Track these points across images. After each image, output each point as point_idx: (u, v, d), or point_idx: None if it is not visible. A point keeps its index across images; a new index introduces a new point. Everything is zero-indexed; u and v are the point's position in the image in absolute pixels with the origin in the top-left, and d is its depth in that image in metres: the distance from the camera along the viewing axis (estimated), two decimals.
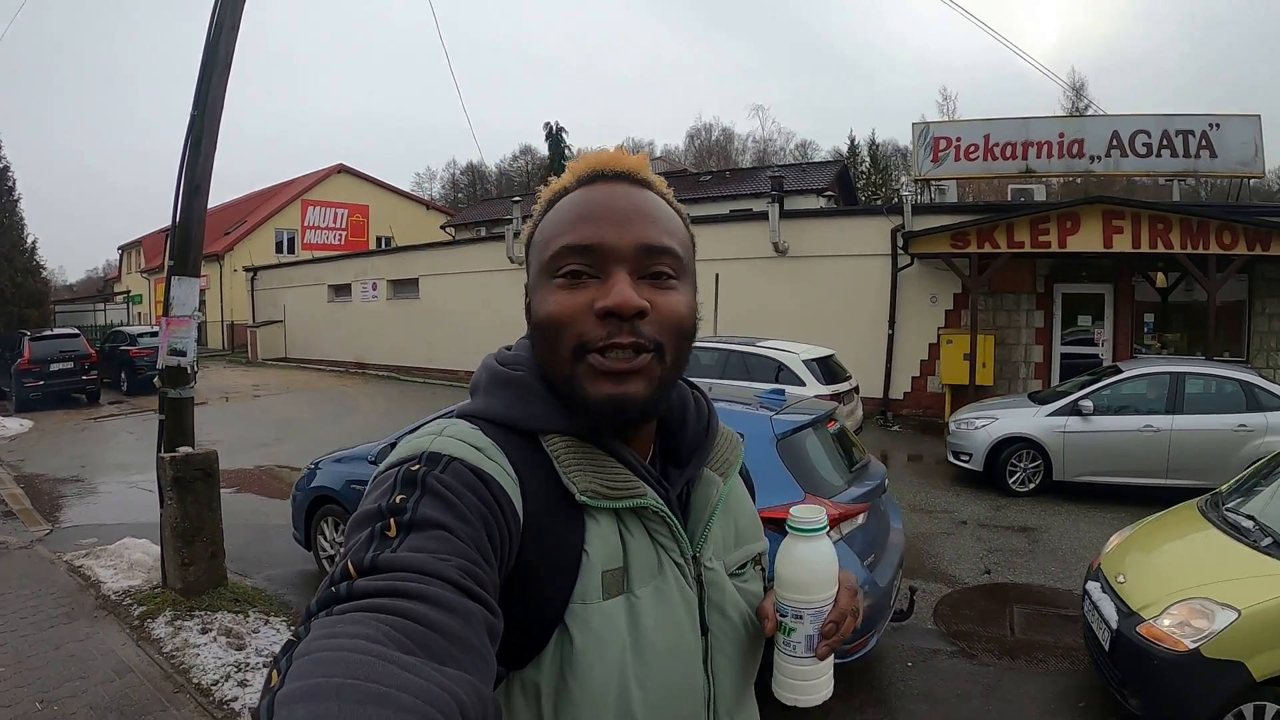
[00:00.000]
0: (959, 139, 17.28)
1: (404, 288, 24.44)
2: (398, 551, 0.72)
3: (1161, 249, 12.71)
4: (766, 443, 4.59)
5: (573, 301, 0.93)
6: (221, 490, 6.05)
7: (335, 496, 6.20)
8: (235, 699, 4.30)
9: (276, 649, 4.77)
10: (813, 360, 11.00)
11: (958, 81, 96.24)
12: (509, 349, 1.08)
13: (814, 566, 0.99)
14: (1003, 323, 14.80)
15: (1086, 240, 13.01)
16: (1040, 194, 18.31)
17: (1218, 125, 16.43)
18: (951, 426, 10.50)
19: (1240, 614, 3.71)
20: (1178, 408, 9.26)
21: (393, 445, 4.12)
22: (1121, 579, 4.42)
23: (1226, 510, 4.73)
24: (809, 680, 1.00)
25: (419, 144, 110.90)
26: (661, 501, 0.97)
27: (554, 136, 42.95)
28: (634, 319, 0.91)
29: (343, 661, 0.57)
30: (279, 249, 35.38)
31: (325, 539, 6.35)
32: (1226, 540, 4.37)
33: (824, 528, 1.00)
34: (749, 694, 1.09)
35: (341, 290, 26.80)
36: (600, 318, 0.91)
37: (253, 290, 30.86)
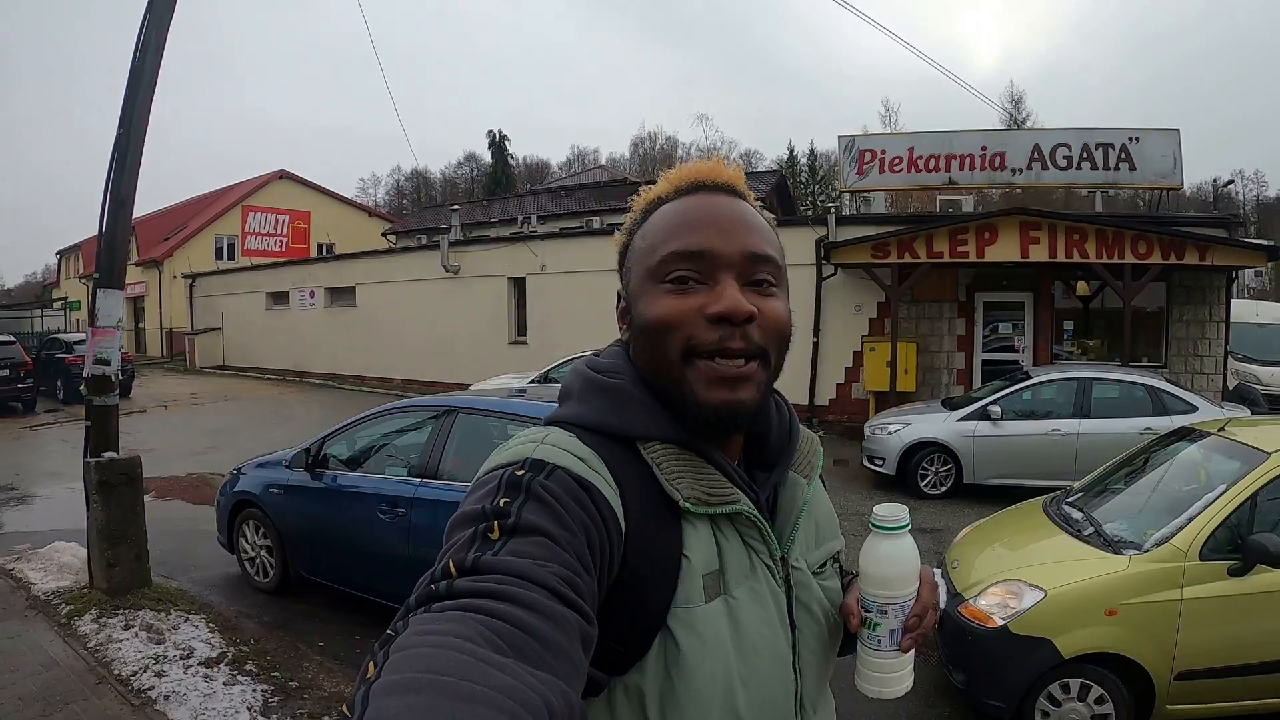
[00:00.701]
0: (884, 152, 17.64)
1: (341, 296, 24.39)
2: (499, 554, 0.73)
3: (1078, 259, 13.13)
4: None
5: (683, 305, 0.94)
6: (153, 497, 6.41)
7: (255, 500, 6.33)
8: (152, 688, 4.54)
9: (195, 643, 4.95)
10: None
11: (903, 92, 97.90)
12: (598, 355, 1.08)
13: (898, 563, 1.02)
14: (925, 330, 15.18)
15: (1004, 250, 13.39)
16: (969, 205, 18.70)
17: (1137, 139, 16.91)
18: (867, 432, 10.77)
19: (1046, 594, 4.00)
20: (1085, 412, 9.63)
21: (306, 450, 4.80)
22: (955, 564, 4.75)
23: (1065, 504, 5.03)
24: (893, 673, 1.03)
25: (366, 150, 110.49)
26: (753, 506, 0.99)
27: (497, 144, 43.18)
28: (744, 324, 0.93)
29: (438, 658, 0.59)
30: (219, 255, 34.82)
31: (247, 541, 6.49)
32: (1056, 530, 4.67)
33: (907, 525, 1.03)
34: (827, 687, 1.11)
35: (279, 298, 26.66)
36: (712, 322, 0.93)
37: (191, 297, 30.48)
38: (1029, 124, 44.53)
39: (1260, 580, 3.82)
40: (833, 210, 15.56)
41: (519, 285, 19.69)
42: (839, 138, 18.22)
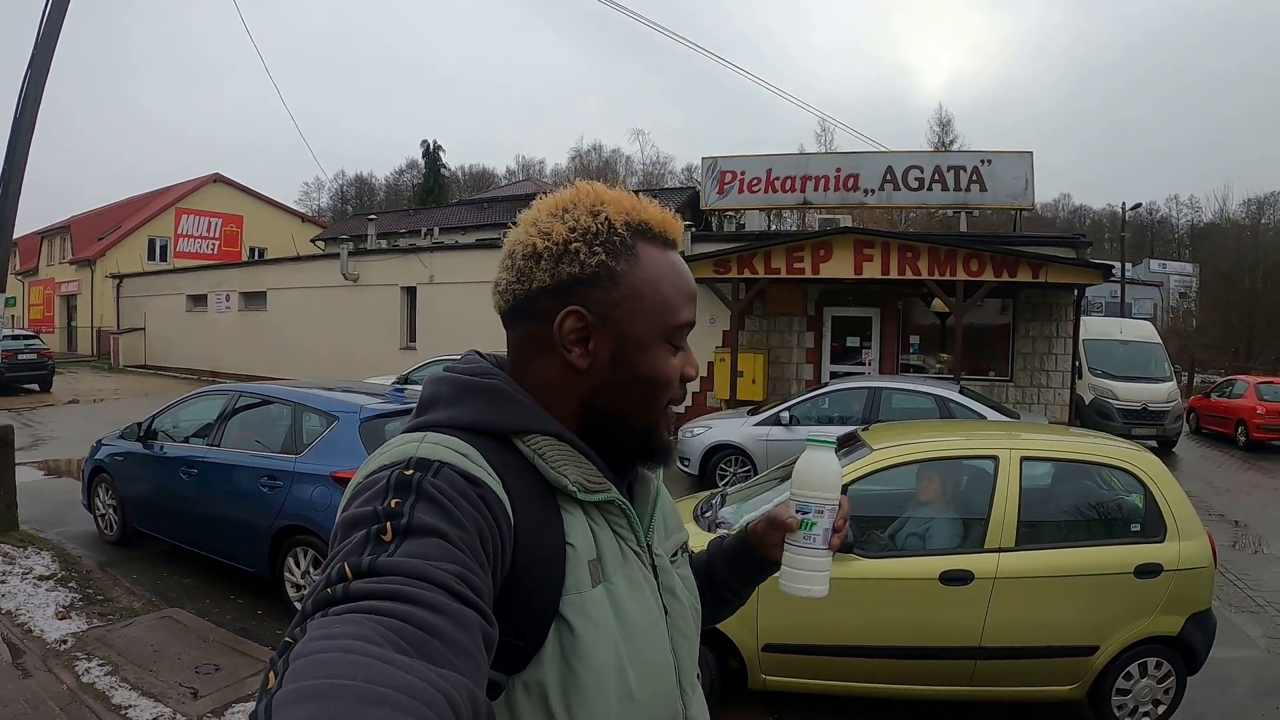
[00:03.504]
0: (743, 173, 18.44)
1: (254, 300, 25.06)
2: (395, 555, 0.73)
3: (910, 275, 13.86)
4: (354, 422, 5.88)
5: (676, 366, 1.07)
6: (44, 475, 9.11)
7: (105, 467, 7.52)
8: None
9: (36, 566, 6.69)
10: None
11: (847, 112, 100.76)
12: (456, 363, 1.10)
13: (831, 470, 1.19)
14: (775, 343, 16.01)
15: (838, 267, 14.08)
16: (846, 223, 19.52)
17: (989, 161, 17.86)
18: (679, 434, 11.51)
19: None
20: (875, 418, 10.22)
21: (139, 424, 6.98)
22: None
23: (713, 501, 5.42)
24: (822, 571, 1.18)
25: (320, 153, 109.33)
26: (624, 496, 1.04)
27: (430, 154, 43.35)
28: None
29: (340, 662, 0.58)
30: (152, 256, 34.77)
31: (99, 501, 7.68)
32: (691, 520, 5.04)
33: (833, 444, 1.21)
34: (697, 666, 1.15)
35: (199, 300, 27.22)
36: (682, 382, 1.08)
37: (118, 297, 30.84)
38: (956, 146, 45.92)
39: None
40: (690, 228, 16.28)
41: (410, 294, 20.49)
42: (703, 159, 19.08)
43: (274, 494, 5.82)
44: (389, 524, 0.76)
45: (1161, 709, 4.56)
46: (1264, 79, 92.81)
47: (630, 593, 0.99)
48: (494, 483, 0.88)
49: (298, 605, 5.62)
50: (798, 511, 1.19)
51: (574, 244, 1.00)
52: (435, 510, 0.79)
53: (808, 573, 1.17)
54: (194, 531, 6.56)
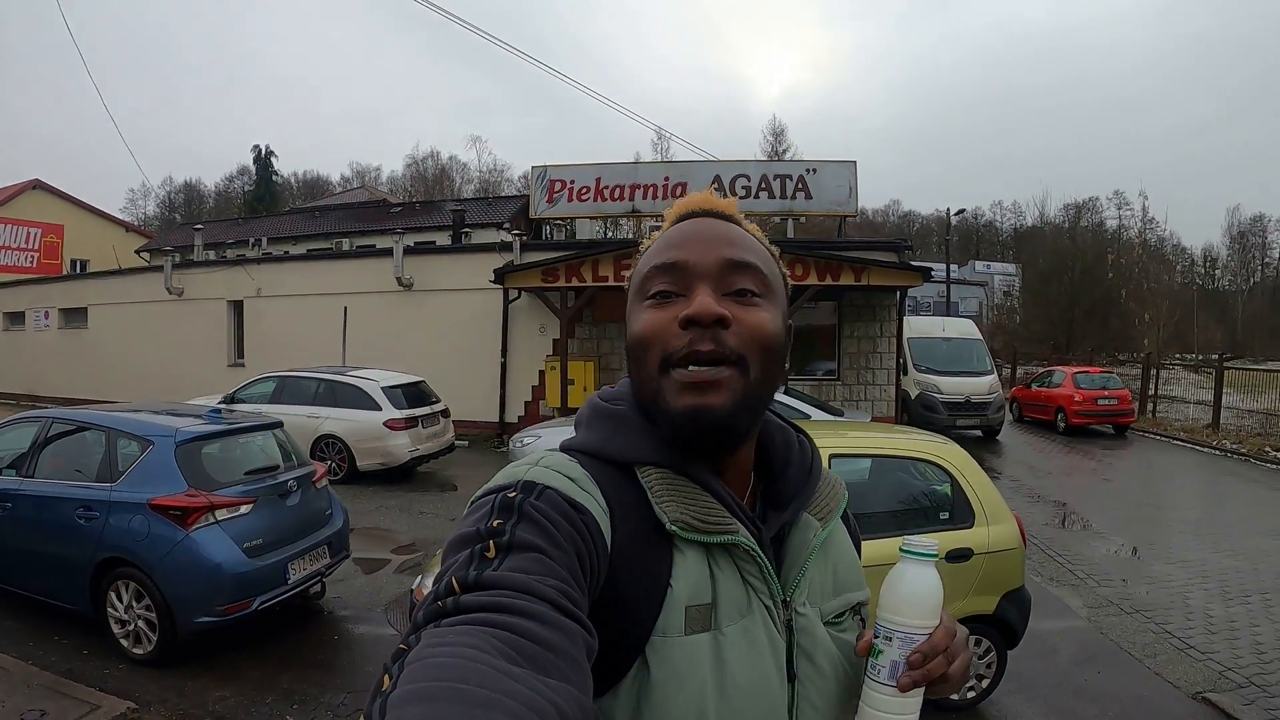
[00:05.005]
0: (573, 181, 18.60)
1: (74, 317, 23.62)
2: (499, 570, 0.75)
3: None
4: (170, 446, 5.59)
5: (660, 317, 0.96)
6: None
7: None
8: None
9: None
10: (395, 386, 12.28)
11: (686, 122, 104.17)
12: (610, 387, 1.10)
13: (913, 590, 0.97)
14: (606, 349, 16.24)
15: None
16: None
17: (815, 170, 18.53)
18: (511, 445, 11.61)
19: None
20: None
21: None
22: None
23: None
24: (888, 712, 0.96)
25: (142, 158, 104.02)
26: (753, 540, 0.96)
27: (262, 160, 41.99)
28: (714, 327, 0.93)
29: (453, 667, 0.60)
30: None
31: None
32: None
33: (934, 555, 0.99)
34: None
35: (15, 318, 25.51)
36: (682, 327, 0.93)
37: None
38: (789, 155, 47.51)
39: None
40: (518, 238, 16.48)
41: (237, 308, 19.79)
42: (532, 167, 19.23)
43: (91, 525, 5.49)
44: (492, 542, 0.78)
45: (985, 682, 4.95)
46: (1081, 93, 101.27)
47: (742, 648, 0.92)
48: (598, 509, 0.89)
49: (123, 642, 5.26)
50: (871, 633, 1.00)
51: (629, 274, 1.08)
52: (535, 529, 0.80)
53: (869, 708, 0.97)
54: (9, 570, 6.03)
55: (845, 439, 5.41)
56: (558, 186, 18.38)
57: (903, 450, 5.17)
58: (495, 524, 0.80)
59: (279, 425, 6.72)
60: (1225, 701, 5.12)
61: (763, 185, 18.34)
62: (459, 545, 0.80)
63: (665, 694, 0.87)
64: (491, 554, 0.77)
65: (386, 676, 0.61)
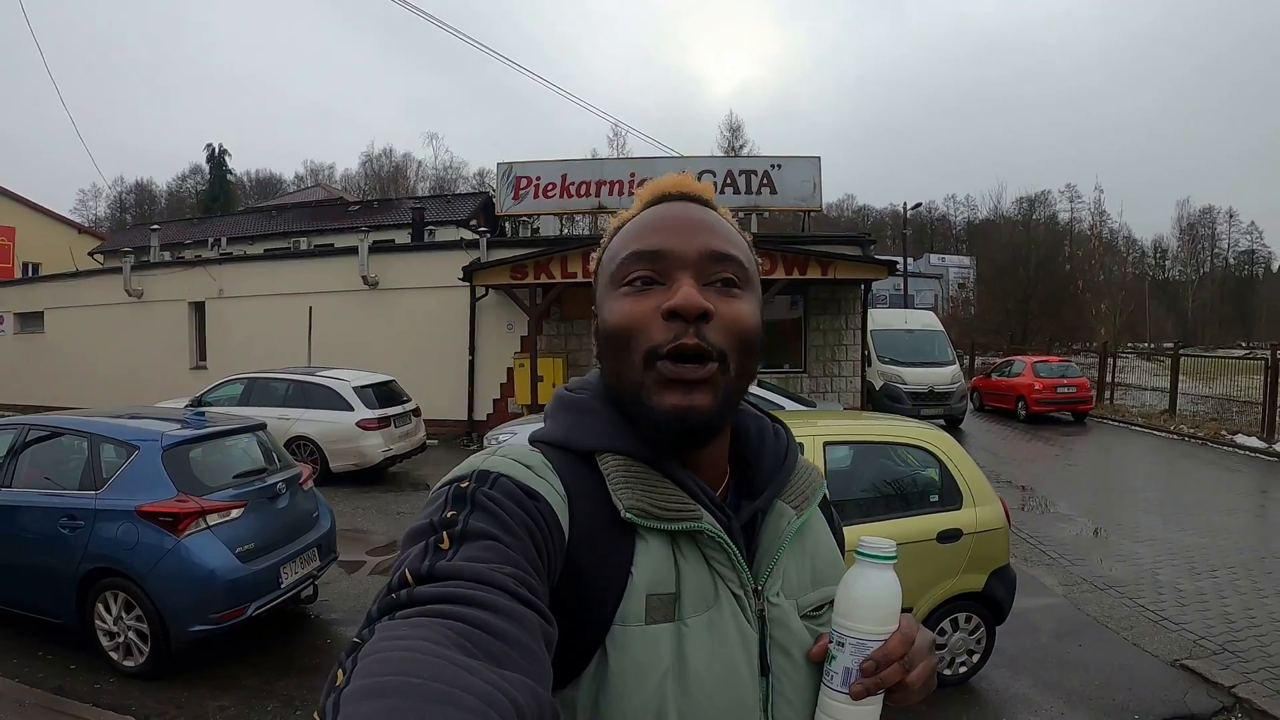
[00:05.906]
0: (539, 178, 18.47)
1: (30, 321, 23.01)
2: (453, 560, 0.74)
3: None
4: (156, 451, 5.48)
5: (640, 307, 0.93)
6: None
7: None
8: None
9: None
10: (366, 386, 12.19)
11: (640, 118, 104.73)
12: (578, 379, 1.09)
13: (867, 595, 0.92)
14: (574, 346, 16.22)
15: None
16: None
17: (780, 165, 18.52)
18: (486, 441, 11.59)
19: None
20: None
21: None
22: None
23: None
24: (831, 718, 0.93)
25: (87, 158, 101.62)
26: (719, 527, 0.94)
27: (216, 159, 41.35)
28: (698, 321, 0.91)
29: (407, 661, 0.60)
30: None
31: None
32: None
33: (892, 558, 0.94)
34: None
35: None
36: (665, 320, 0.91)
37: None
38: (746, 151, 47.52)
39: None
40: (486, 233, 16.33)
41: (199, 310, 19.51)
42: (498, 164, 19.01)
43: (75, 535, 5.31)
44: (445, 533, 0.77)
45: (976, 658, 5.17)
46: (1034, 88, 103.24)
47: (706, 640, 0.89)
48: (555, 497, 0.88)
49: (113, 654, 5.21)
50: (828, 636, 0.95)
51: (595, 257, 1.06)
52: (489, 518, 0.80)
53: (823, 715, 0.93)
54: None
55: (836, 427, 5.54)
56: (524, 183, 18.25)
57: (892, 436, 5.31)
58: (449, 515, 0.80)
59: (263, 427, 6.65)
60: (1202, 667, 5.39)
61: (728, 181, 18.31)
62: (413, 538, 0.79)
63: (623, 685, 0.85)
64: (445, 545, 0.76)
65: (340, 671, 0.61)
